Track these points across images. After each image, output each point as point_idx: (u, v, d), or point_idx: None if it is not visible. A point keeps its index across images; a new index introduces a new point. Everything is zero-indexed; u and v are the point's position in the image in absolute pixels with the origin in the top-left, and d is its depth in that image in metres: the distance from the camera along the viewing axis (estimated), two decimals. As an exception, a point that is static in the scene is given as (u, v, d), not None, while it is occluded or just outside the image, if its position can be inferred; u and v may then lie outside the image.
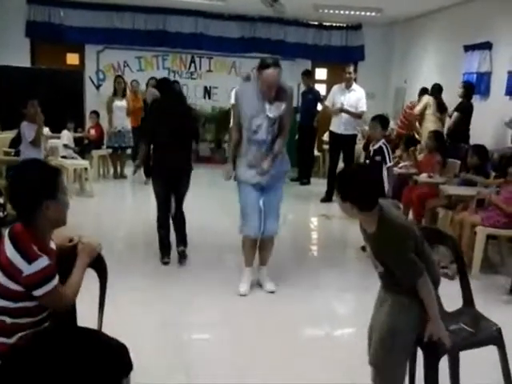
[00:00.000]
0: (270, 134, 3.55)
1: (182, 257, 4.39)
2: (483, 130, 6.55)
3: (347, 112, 6.71)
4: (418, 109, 7.20)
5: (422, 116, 7.18)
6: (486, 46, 6.95)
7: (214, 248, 4.92)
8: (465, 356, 2.23)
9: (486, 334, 2.34)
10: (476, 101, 6.74)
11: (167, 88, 4.64)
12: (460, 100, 6.63)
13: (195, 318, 3.41)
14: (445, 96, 7.13)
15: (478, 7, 7.19)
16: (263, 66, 3.40)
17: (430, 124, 6.98)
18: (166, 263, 4.37)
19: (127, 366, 1.98)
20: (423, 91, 7.59)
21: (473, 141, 6.36)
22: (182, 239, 4.45)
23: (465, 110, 6.53)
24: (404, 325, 2.07)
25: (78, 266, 2.06)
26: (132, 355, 2.01)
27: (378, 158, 4.66)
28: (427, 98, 7.14)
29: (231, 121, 8.28)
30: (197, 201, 7.03)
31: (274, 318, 3.43)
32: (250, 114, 3.50)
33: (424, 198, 5.14)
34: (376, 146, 4.72)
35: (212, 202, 7.09)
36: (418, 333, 2.08)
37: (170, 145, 4.22)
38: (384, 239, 2.04)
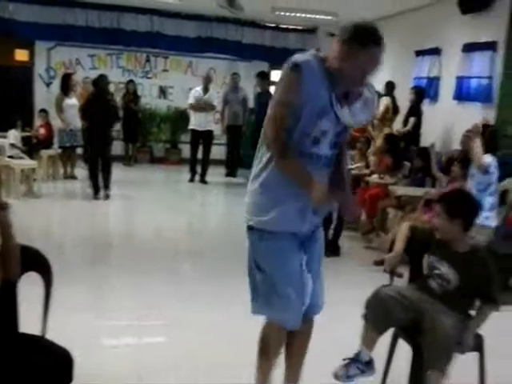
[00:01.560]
0: (333, 149, 2.10)
1: (107, 196, 6.75)
2: (432, 133, 6.76)
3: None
4: (379, 112, 7.28)
5: (383, 119, 7.26)
6: (436, 51, 7.19)
7: (168, 253, 4.80)
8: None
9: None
10: (425, 105, 6.95)
11: (96, 83, 6.79)
12: (411, 104, 6.84)
13: (147, 322, 3.32)
14: (396, 99, 7.33)
15: (429, 14, 7.42)
16: (367, 38, 1.95)
17: (388, 128, 7.12)
18: (96, 199, 6.61)
19: (70, 375, 1.91)
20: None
21: (423, 143, 6.56)
22: (107, 184, 6.78)
23: (418, 114, 6.75)
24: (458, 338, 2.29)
25: None
26: (78, 363, 1.94)
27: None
28: (386, 100, 7.26)
29: (191, 119, 8.22)
30: (150, 203, 6.94)
31: (230, 316, 3.39)
32: (319, 109, 1.97)
33: (376, 198, 5.25)
34: None
35: (166, 205, 6.99)
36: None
37: (97, 123, 6.58)
38: (479, 261, 2.34)
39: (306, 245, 2.16)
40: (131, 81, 9.53)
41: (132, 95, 9.36)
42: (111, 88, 8.34)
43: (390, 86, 7.39)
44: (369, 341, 2.43)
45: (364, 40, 1.94)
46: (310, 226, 2.13)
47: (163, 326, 3.27)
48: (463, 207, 2.39)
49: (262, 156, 2.09)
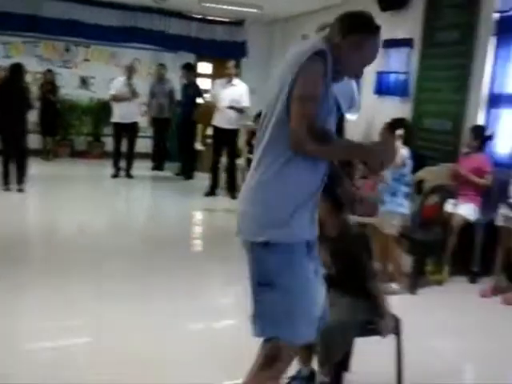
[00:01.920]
0: None
1: (21, 190, 6.47)
2: (355, 127, 6.98)
3: (232, 108, 6.75)
4: None
5: None
6: (357, 47, 7.42)
7: (89, 252, 4.57)
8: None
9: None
10: (349, 98, 7.17)
11: (11, 70, 6.55)
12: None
13: (67, 323, 3.16)
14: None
15: (350, 10, 7.64)
16: (370, 26, 1.90)
17: None
18: (7, 189, 6.41)
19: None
20: None
21: (346, 136, 6.75)
22: (22, 178, 6.50)
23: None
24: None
25: None
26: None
27: None
28: None
29: (114, 112, 7.88)
30: (70, 199, 6.62)
31: (154, 315, 3.31)
32: (330, 105, 1.90)
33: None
34: None
35: (88, 201, 6.70)
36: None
37: (10, 111, 6.32)
38: (350, 242, 2.32)
39: (312, 249, 1.95)
40: (49, 70, 9.03)
41: (50, 85, 8.88)
42: (28, 78, 7.87)
43: None
44: (304, 358, 2.42)
45: (371, 28, 1.90)
46: (316, 228, 1.97)
47: (85, 327, 3.12)
48: (330, 189, 2.25)
49: (272, 160, 1.82)
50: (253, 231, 1.83)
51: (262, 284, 1.86)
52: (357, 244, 2.34)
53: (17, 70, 6.51)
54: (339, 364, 2.41)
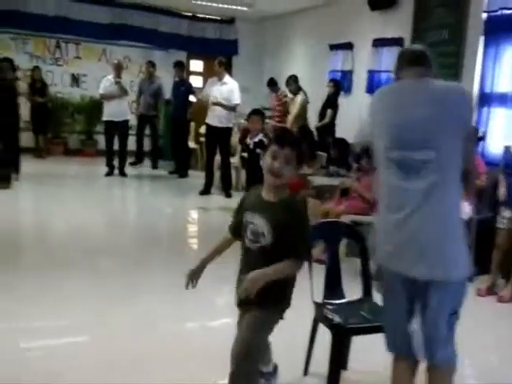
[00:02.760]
0: None
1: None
2: (347, 125, 7.06)
3: (220, 105, 6.78)
4: (295, 112, 7.37)
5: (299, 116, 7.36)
6: (348, 46, 7.49)
7: (84, 251, 4.54)
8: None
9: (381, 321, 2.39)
10: (340, 97, 7.23)
11: None
12: (328, 97, 7.09)
13: (63, 322, 3.17)
14: (313, 91, 7.56)
15: (342, 9, 7.70)
16: None
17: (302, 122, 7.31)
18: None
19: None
20: (272, 83, 8.11)
21: (338, 134, 6.83)
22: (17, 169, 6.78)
23: (335, 106, 7.01)
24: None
25: None
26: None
27: (258, 151, 4.81)
28: (301, 99, 7.44)
29: (104, 110, 7.84)
30: (65, 196, 6.62)
31: (147, 313, 3.33)
32: None
33: (295, 188, 5.39)
34: (256, 139, 4.88)
35: (82, 198, 6.69)
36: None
37: None
38: (293, 209, 2.07)
39: None
40: (36, 67, 8.97)
41: (40, 83, 8.84)
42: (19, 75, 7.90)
43: (297, 80, 7.56)
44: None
45: None
46: None
47: (76, 327, 3.12)
48: (299, 142, 2.16)
49: (451, 195, 2.03)
50: (455, 272, 2.18)
51: (453, 314, 2.18)
52: (290, 211, 2.05)
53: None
54: (337, 362, 2.47)
